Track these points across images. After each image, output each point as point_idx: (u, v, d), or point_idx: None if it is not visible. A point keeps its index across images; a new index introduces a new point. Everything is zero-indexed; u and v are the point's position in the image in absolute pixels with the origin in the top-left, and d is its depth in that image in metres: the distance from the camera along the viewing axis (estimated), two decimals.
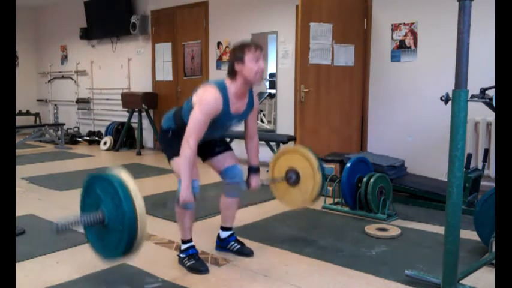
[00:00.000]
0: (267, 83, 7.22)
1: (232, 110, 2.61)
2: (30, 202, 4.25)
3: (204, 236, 3.22)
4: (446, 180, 2.26)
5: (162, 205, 3.39)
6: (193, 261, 2.68)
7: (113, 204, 2.11)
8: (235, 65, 2.54)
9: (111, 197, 2.11)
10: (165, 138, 2.75)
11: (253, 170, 2.87)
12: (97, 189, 2.20)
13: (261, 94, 7.85)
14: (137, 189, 2.12)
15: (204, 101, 2.49)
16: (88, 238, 2.31)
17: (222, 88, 2.55)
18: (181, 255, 2.73)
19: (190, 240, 2.75)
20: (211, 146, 2.82)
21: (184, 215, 2.67)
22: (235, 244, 2.94)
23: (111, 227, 2.14)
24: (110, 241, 2.18)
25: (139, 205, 2.08)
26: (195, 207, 2.59)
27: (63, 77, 9.60)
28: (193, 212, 2.68)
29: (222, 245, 2.97)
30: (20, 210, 3.84)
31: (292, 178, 3.06)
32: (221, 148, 2.84)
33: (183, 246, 2.74)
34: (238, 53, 2.54)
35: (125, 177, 2.14)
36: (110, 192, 2.12)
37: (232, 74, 2.57)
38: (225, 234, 2.97)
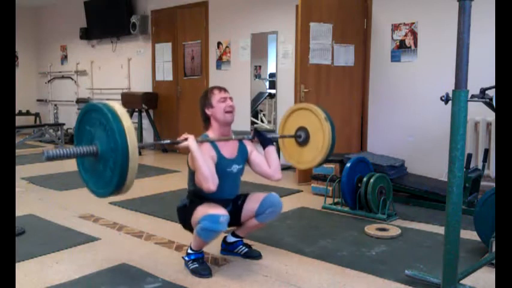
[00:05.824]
0: (267, 83, 7.22)
1: (226, 154, 2.67)
2: (30, 202, 4.25)
3: None
4: (446, 180, 2.26)
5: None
6: (196, 264, 2.66)
7: (106, 138, 2.10)
8: (206, 110, 2.70)
9: (104, 131, 2.10)
10: (183, 211, 2.71)
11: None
12: (91, 122, 2.19)
13: (261, 94, 7.85)
14: (131, 125, 2.12)
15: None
16: (81, 174, 2.32)
17: (205, 137, 2.67)
18: (186, 258, 2.70)
19: (199, 251, 2.70)
20: (234, 205, 2.78)
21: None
22: (243, 247, 2.92)
23: (104, 161, 2.13)
24: (102, 176, 2.18)
25: (132, 140, 2.08)
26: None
27: (63, 77, 9.60)
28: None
29: (228, 248, 2.94)
30: (20, 210, 3.83)
31: (302, 136, 2.97)
32: (241, 199, 2.81)
33: (190, 251, 2.70)
34: (204, 99, 2.71)
35: (120, 111, 2.12)
36: (103, 125, 2.11)
37: (206, 120, 2.73)
38: (233, 239, 2.93)
